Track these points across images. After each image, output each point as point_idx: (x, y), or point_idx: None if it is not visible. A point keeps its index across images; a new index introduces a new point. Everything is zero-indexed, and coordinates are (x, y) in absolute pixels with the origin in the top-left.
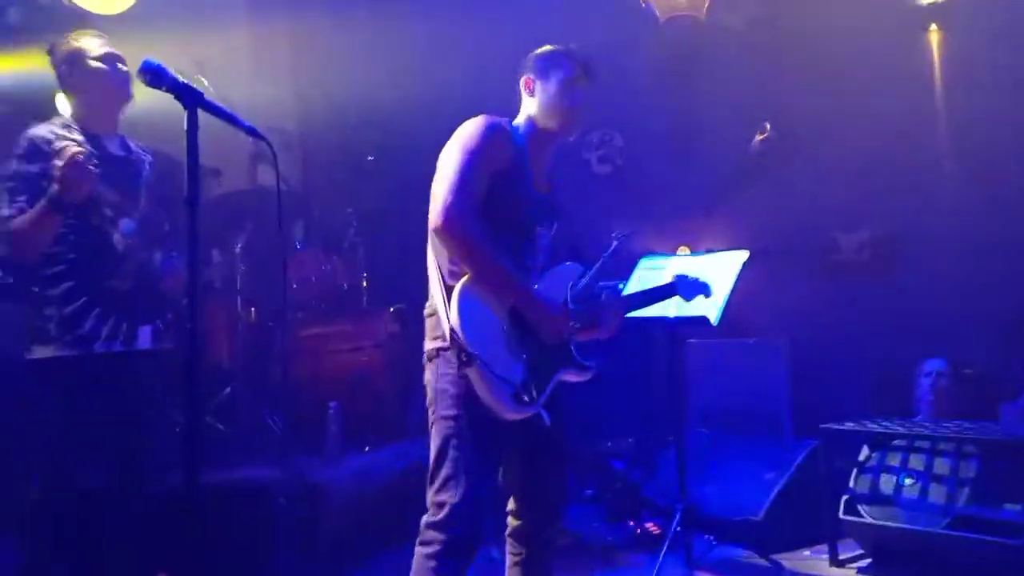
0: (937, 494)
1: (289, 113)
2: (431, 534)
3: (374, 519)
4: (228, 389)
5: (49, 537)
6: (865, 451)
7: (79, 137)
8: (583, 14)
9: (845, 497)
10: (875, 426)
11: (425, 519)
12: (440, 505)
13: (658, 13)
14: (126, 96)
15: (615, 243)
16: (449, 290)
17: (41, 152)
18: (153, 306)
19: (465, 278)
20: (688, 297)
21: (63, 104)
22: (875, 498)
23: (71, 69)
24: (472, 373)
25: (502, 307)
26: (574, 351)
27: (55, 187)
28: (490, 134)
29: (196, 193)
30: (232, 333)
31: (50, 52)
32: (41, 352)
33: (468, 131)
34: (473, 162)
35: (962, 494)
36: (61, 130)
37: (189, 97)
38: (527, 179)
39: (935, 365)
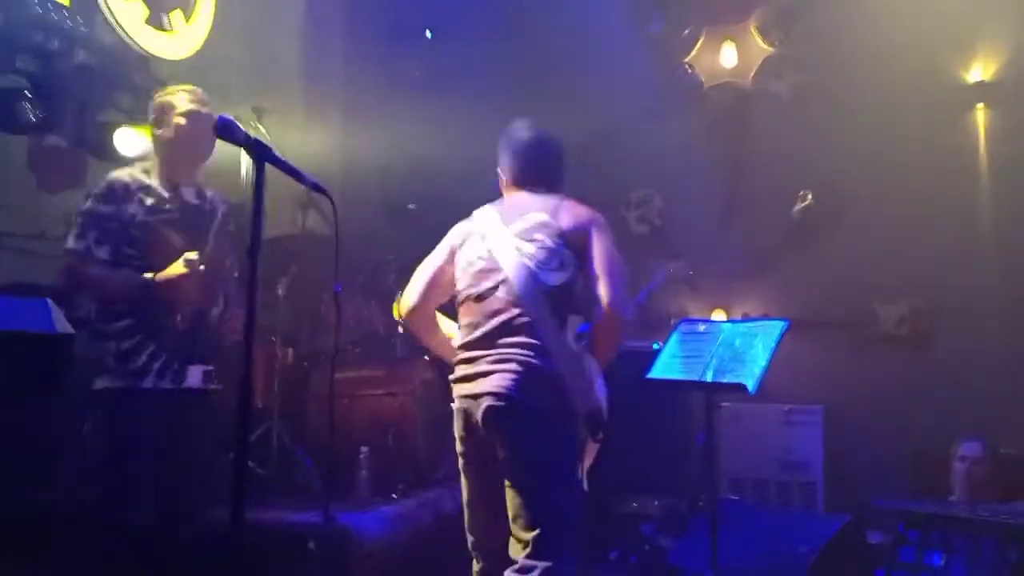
0: None
1: (333, 158)
2: None
3: (401, 567)
4: (261, 428)
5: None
6: (901, 529)
7: (155, 183)
8: (628, 78)
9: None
10: (913, 504)
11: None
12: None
13: (703, 79)
14: (200, 155)
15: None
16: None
17: (116, 195)
18: (207, 348)
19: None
20: None
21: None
22: None
23: (158, 119)
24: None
25: None
26: None
27: (153, 279)
28: None
29: (258, 244)
30: (270, 373)
31: (149, 100)
32: (99, 383)
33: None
34: None
35: None
36: (140, 175)
37: (259, 152)
38: None
39: (971, 449)
